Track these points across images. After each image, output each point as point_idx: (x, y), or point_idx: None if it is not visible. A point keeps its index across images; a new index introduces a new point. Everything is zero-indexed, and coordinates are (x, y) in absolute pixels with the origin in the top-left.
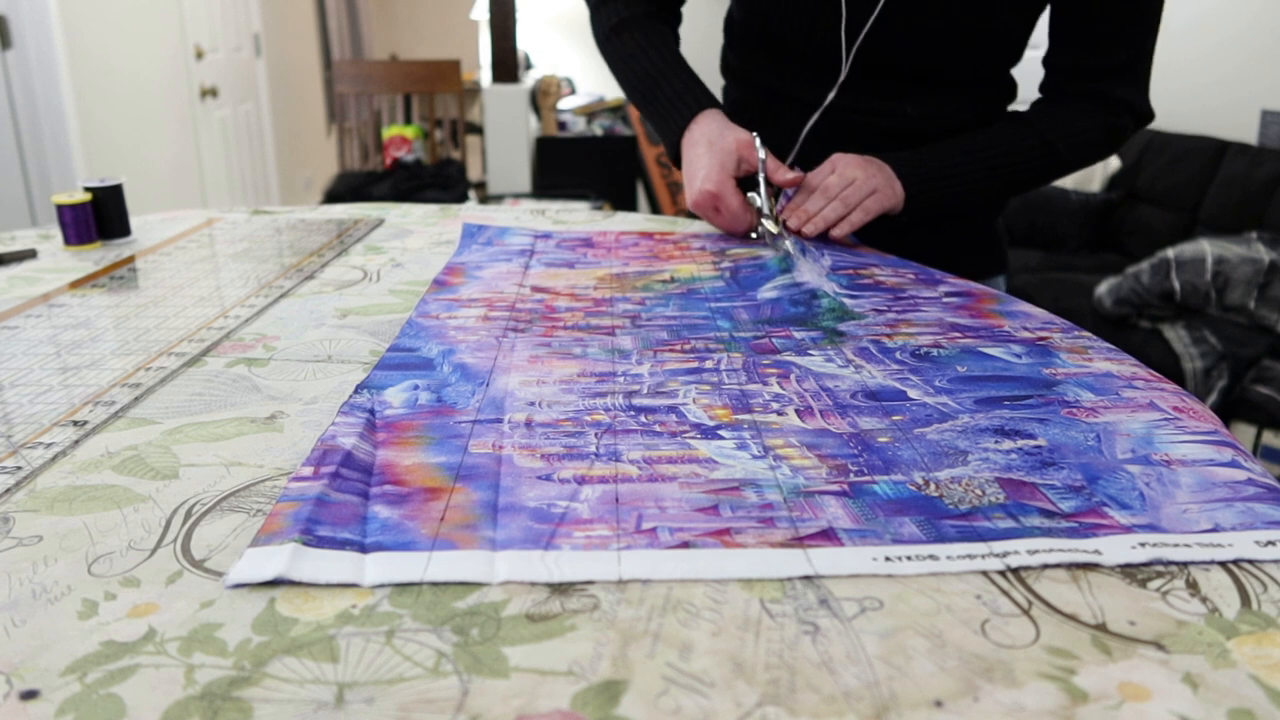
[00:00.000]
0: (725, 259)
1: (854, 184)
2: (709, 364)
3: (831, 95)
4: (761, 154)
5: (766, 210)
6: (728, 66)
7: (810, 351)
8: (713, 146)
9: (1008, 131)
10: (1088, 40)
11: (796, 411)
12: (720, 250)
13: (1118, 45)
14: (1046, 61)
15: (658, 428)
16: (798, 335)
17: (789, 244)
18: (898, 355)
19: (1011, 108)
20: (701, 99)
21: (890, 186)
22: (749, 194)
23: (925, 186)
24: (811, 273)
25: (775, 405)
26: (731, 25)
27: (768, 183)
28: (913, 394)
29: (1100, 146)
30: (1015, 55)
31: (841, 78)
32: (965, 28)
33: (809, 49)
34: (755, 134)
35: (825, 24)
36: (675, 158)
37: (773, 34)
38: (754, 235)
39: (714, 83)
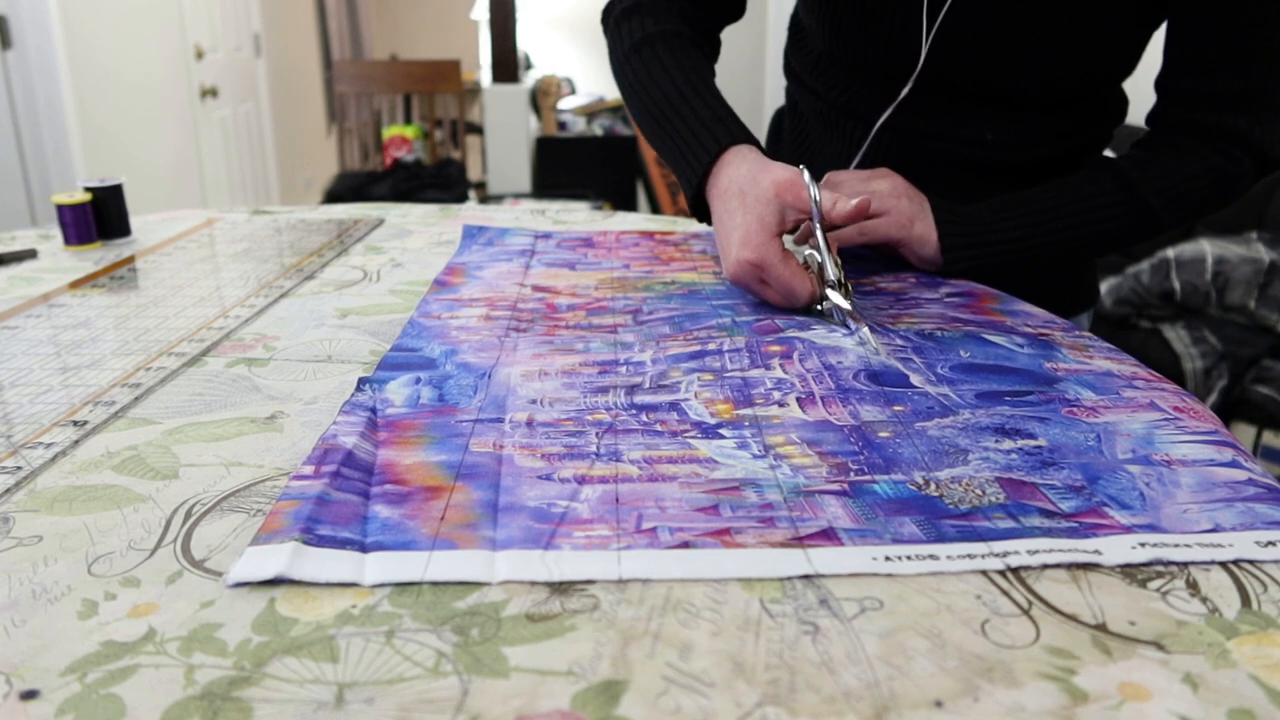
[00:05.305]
0: None
1: (872, 196)
2: (711, 346)
3: (889, 111)
4: (813, 192)
5: (831, 273)
6: (789, 67)
7: (813, 324)
8: (746, 198)
9: (1089, 185)
10: (1209, 62)
11: (798, 400)
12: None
13: (1245, 70)
14: (1159, 85)
15: (659, 427)
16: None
17: (864, 326)
18: (902, 332)
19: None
20: (733, 129)
21: (911, 222)
22: (806, 251)
23: (963, 252)
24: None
25: (777, 394)
26: (797, 21)
27: (825, 232)
28: (915, 379)
29: (1208, 199)
30: (1122, 71)
31: (908, 87)
32: (1057, 43)
33: (884, 59)
34: (802, 166)
35: (900, 32)
36: (697, 208)
37: (841, 37)
38: (820, 308)
39: (749, 102)
